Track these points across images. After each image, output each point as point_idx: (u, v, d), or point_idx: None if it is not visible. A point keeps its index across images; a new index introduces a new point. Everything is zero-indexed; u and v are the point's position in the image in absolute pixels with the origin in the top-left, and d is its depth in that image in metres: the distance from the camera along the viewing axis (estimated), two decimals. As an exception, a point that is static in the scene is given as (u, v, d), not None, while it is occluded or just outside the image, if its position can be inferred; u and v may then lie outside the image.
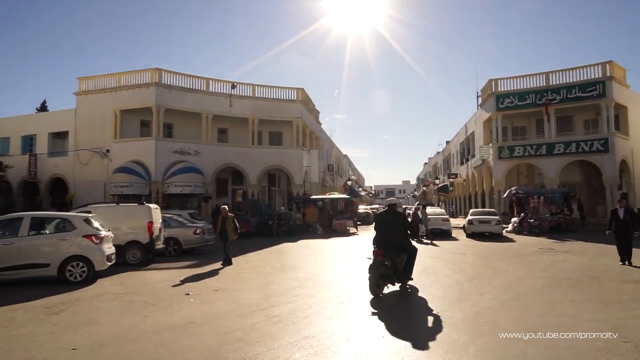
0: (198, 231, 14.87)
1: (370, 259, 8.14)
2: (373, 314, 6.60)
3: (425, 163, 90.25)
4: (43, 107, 47.58)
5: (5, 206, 32.41)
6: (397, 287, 8.33)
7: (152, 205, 13.11)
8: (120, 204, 12.91)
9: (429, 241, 19.65)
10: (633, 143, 29.41)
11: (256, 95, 32.08)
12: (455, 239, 20.96)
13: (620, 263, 11.17)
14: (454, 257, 13.61)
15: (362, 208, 38.30)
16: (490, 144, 31.66)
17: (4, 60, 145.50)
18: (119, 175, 27.14)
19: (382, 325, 5.98)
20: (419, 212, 21.13)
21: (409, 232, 8.63)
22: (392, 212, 8.59)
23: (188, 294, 8.22)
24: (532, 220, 22.66)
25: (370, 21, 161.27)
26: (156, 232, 12.46)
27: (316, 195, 33.24)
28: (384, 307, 7.00)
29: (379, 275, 7.73)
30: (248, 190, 31.45)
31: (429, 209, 25.00)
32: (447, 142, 57.39)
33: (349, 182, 41.59)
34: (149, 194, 27.76)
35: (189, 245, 14.68)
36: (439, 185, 51.52)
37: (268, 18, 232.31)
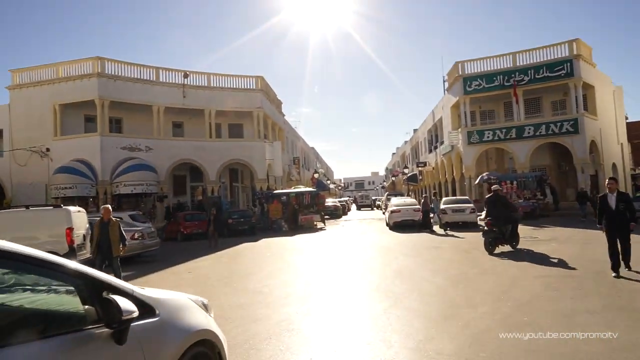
0: (136, 235, 12.80)
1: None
2: (325, 349, 4.82)
3: (394, 153, 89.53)
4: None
5: None
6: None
7: (73, 208, 11.01)
8: (31, 208, 10.78)
9: (443, 232, 18.17)
10: (601, 123, 28.93)
11: (212, 85, 29.87)
12: (425, 231, 19.66)
13: (614, 274, 7.63)
14: (429, 253, 12.14)
15: (330, 201, 36.72)
16: (459, 129, 30.62)
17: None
18: (60, 176, 24.53)
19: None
20: (431, 201, 19.84)
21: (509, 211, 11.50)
22: (496, 196, 11.78)
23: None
24: (506, 207, 21.58)
25: (331, 14, 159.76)
26: (78, 240, 10.40)
27: (281, 189, 31.43)
28: (343, 337, 5.31)
29: (490, 238, 10.99)
30: (207, 187, 29.30)
31: (398, 199, 23.66)
32: (415, 131, 56.50)
33: (316, 175, 39.87)
34: (96, 195, 25.33)
35: (126, 252, 12.64)
36: (408, 175, 50.54)
37: (224, 11, 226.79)
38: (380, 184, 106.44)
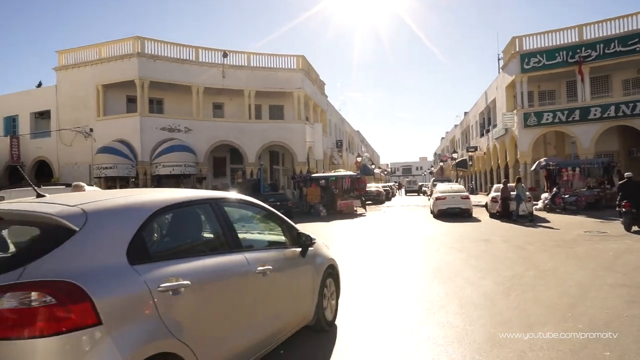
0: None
1: None
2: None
3: (443, 138, 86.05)
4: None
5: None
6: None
7: (88, 187, 10.41)
8: (43, 187, 10.31)
9: (530, 223, 15.76)
10: (681, 104, 25.59)
11: (251, 65, 29.04)
12: (476, 220, 17.98)
13: None
14: (477, 247, 10.67)
15: (372, 186, 35.29)
16: (515, 111, 28.15)
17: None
18: (101, 156, 24.74)
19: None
20: (512, 187, 17.44)
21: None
22: (630, 181, 12.75)
23: None
24: (566, 196, 19.45)
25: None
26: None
27: (323, 173, 30.39)
28: None
29: (629, 218, 12.13)
30: (246, 170, 28.76)
31: (444, 186, 21.98)
32: (466, 114, 53.54)
33: (359, 159, 38.45)
34: (135, 176, 25.38)
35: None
36: (457, 160, 48.01)
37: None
38: (428, 169, 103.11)
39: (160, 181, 26.91)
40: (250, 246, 3.77)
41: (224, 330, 3.06)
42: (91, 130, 26.29)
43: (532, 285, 6.50)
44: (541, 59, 26.71)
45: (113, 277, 2.37)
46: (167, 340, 2.48)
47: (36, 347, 2.01)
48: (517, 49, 27.55)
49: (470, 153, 43.75)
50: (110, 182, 26.29)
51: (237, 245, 3.46)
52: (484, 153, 39.33)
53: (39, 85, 46.60)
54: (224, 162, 30.89)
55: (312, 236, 4.42)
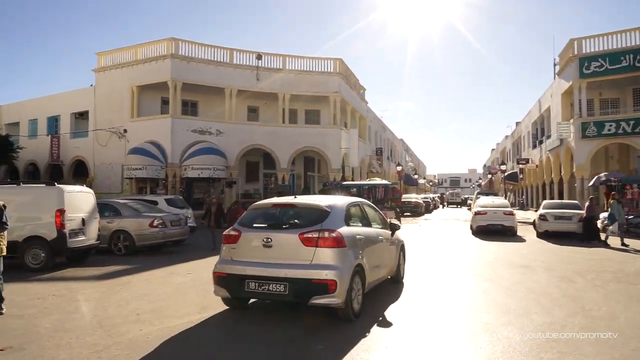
0: (155, 223, 11.23)
1: None
2: None
3: (493, 149, 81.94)
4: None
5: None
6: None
7: (70, 187, 9.61)
8: (23, 185, 9.63)
9: (622, 243, 13.55)
10: None
11: (286, 68, 28.14)
12: (520, 240, 15.91)
13: None
14: (511, 276, 8.85)
15: (411, 197, 33.34)
16: (571, 120, 25.46)
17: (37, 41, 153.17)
18: (132, 157, 24.58)
19: None
20: (601, 205, 15.27)
21: None
22: None
23: None
24: (631, 217, 16.90)
25: (431, 5, 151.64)
26: (75, 225, 8.97)
27: (360, 181, 28.90)
28: None
29: None
30: (278, 175, 27.81)
31: (485, 199, 19.94)
32: (517, 124, 50.25)
33: (399, 168, 36.56)
34: (165, 178, 25.04)
35: (144, 241, 11.08)
36: (507, 173, 44.88)
37: (322, 9, 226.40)
38: (476, 181, 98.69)
39: (191, 184, 26.49)
40: (375, 225, 7.03)
41: (373, 262, 6.27)
42: (125, 131, 26.28)
43: (576, 343, 4.78)
44: (603, 62, 23.97)
45: (344, 229, 5.68)
46: (360, 259, 5.70)
47: (328, 251, 5.32)
48: (576, 52, 24.94)
49: (521, 165, 40.73)
50: (141, 183, 26.18)
51: (370, 224, 6.82)
52: (536, 166, 36.33)
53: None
54: (257, 167, 30.11)
55: (398, 224, 7.74)
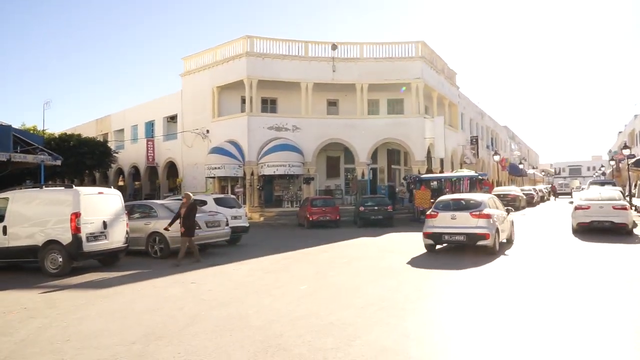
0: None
1: None
2: None
3: (620, 132, 71.21)
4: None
5: (133, 190, 34.07)
6: None
7: (88, 190, 9.31)
8: (45, 188, 9.66)
9: None
10: None
11: (364, 56, 26.72)
12: (635, 241, 12.82)
13: None
14: (604, 305, 6.59)
15: (508, 190, 29.77)
16: None
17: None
18: (212, 157, 25.23)
19: None
20: None
21: None
22: None
23: None
24: None
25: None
26: (93, 228, 8.71)
27: (449, 173, 26.47)
28: None
29: None
30: (357, 170, 26.61)
31: (591, 191, 16.68)
32: (648, 100, 42.66)
33: (496, 157, 32.98)
34: (242, 176, 25.29)
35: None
36: (635, 159, 38.19)
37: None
38: (599, 169, 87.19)
39: (271, 182, 26.49)
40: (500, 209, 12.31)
41: (501, 228, 11.45)
42: (207, 131, 27.10)
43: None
44: None
45: (489, 210, 11.19)
46: (497, 225, 11.07)
47: (484, 221, 10.75)
48: None
49: (651, 149, 34.36)
50: (223, 182, 26.82)
51: (498, 208, 12.07)
52: (671, 149, 30.27)
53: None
54: (337, 162, 29.19)
55: (511, 209, 13.91)
